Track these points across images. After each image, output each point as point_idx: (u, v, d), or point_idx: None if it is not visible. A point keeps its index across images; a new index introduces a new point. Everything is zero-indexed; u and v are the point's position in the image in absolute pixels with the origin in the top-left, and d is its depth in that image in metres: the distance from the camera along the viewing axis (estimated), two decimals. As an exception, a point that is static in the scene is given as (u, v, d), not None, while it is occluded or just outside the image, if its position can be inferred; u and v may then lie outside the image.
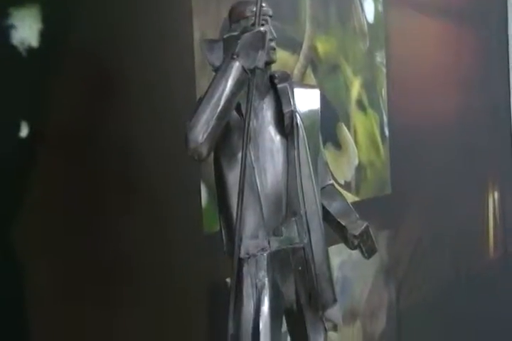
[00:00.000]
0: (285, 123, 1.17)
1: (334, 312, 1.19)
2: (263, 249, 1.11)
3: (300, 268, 1.15)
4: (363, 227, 1.21)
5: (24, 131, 1.07)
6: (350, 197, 1.86)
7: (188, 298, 1.31)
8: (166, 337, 1.27)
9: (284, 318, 1.20)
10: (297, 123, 1.18)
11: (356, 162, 1.98)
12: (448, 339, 2.35)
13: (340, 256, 1.80)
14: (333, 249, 1.78)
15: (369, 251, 1.23)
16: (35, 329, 1.07)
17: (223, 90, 1.07)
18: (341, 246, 1.79)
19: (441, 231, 2.39)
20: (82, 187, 1.14)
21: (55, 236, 1.10)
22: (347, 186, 1.92)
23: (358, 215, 1.25)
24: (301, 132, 1.18)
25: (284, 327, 1.25)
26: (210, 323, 1.34)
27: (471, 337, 2.51)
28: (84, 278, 1.14)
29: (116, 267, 1.20)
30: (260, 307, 1.07)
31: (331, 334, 1.76)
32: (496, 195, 2.84)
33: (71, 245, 1.12)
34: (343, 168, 1.92)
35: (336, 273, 1.77)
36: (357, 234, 1.21)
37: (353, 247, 1.23)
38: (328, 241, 1.24)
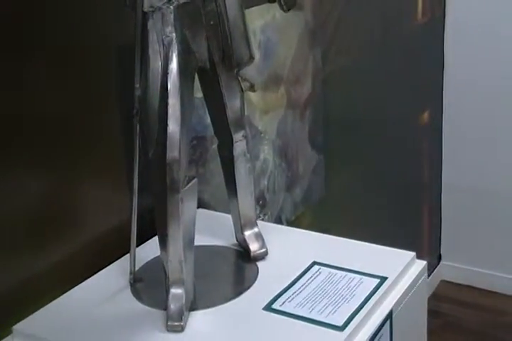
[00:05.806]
0: None
1: (250, 71, 1.11)
2: (169, 2, 0.97)
3: (212, 22, 1.04)
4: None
5: None
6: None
7: (94, 59, 1.20)
8: (73, 100, 1.19)
9: (198, 81, 1.12)
10: None
11: None
12: (377, 106, 2.37)
13: (262, 18, 1.69)
14: (254, 11, 1.67)
15: (288, 3, 1.12)
16: None
17: None
18: (263, 7, 1.69)
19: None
20: None
21: None
22: None
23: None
24: None
25: (200, 94, 1.18)
26: (118, 87, 1.25)
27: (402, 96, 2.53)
28: None
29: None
30: (168, 64, 0.96)
31: (253, 99, 1.72)
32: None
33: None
34: None
35: (258, 37, 1.68)
36: (274, -18, 1.10)
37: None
38: (247, 2, 1.13)
